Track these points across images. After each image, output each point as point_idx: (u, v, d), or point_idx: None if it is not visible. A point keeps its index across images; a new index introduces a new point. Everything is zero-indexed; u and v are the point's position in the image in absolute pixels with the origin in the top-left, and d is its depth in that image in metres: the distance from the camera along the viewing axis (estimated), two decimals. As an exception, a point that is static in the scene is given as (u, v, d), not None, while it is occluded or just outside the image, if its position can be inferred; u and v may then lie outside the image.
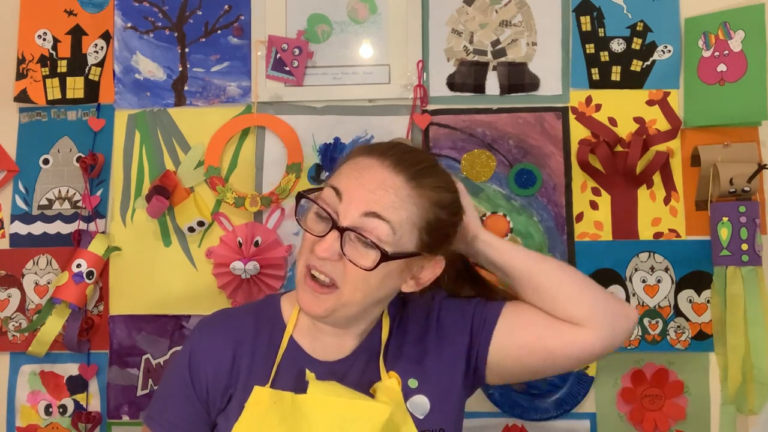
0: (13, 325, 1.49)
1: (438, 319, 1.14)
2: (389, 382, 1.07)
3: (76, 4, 1.54)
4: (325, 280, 1.00)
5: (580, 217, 1.45)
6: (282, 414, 1.01)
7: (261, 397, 1.03)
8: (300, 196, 1.05)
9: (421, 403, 1.08)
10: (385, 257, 0.98)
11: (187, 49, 1.53)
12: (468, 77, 1.48)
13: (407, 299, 1.17)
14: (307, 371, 1.05)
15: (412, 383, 1.09)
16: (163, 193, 1.43)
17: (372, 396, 1.06)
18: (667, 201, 1.44)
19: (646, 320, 1.42)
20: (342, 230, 0.98)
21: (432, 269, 1.07)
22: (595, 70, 1.47)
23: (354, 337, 1.12)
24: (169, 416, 1.08)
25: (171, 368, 1.13)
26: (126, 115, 1.52)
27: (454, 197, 1.07)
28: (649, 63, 1.46)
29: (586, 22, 1.48)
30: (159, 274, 1.48)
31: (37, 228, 1.51)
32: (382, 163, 1.02)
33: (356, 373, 1.09)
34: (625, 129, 1.45)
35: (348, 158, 1.07)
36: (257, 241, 1.43)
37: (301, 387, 1.04)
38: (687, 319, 1.42)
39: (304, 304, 1.03)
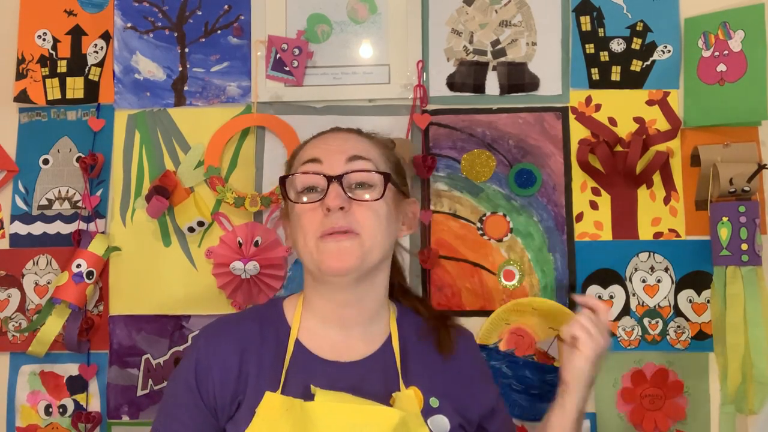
0: (13, 325, 1.49)
1: (471, 362, 1.18)
2: (408, 392, 1.07)
3: (75, 4, 1.54)
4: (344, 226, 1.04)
5: (580, 217, 1.45)
6: (293, 421, 1.00)
7: (273, 403, 1.02)
8: (283, 178, 1.11)
9: (442, 423, 1.08)
10: (387, 178, 1.07)
11: (186, 49, 1.53)
12: (468, 77, 1.48)
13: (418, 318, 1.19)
14: (312, 386, 1.03)
15: (434, 402, 1.09)
16: (163, 193, 1.43)
17: (390, 405, 1.04)
18: (667, 201, 1.44)
19: (646, 320, 1.42)
20: (339, 178, 1.05)
21: (412, 209, 1.18)
22: (594, 70, 1.47)
23: (359, 333, 1.11)
24: (177, 426, 1.06)
25: (175, 378, 1.11)
26: (126, 115, 1.52)
27: (391, 140, 1.22)
28: (648, 63, 1.46)
29: (585, 22, 1.48)
30: (159, 274, 1.48)
31: (37, 228, 1.51)
32: (334, 132, 1.15)
33: (375, 381, 1.08)
34: (625, 129, 1.45)
35: (296, 153, 1.16)
36: (257, 241, 1.43)
37: (308, 391, 1.03)
38: (687, 319, 1.42)
39: (331, 261, 1.03)
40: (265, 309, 1.17)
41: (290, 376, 1.06)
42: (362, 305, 1.11)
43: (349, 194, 1.05)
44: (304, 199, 1.07)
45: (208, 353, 1.08)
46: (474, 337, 1.24)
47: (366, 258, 1.05)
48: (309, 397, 1.02)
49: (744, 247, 1.35)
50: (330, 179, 1.04)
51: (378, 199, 1.06)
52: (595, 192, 1.45)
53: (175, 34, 1.53)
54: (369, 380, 1.08)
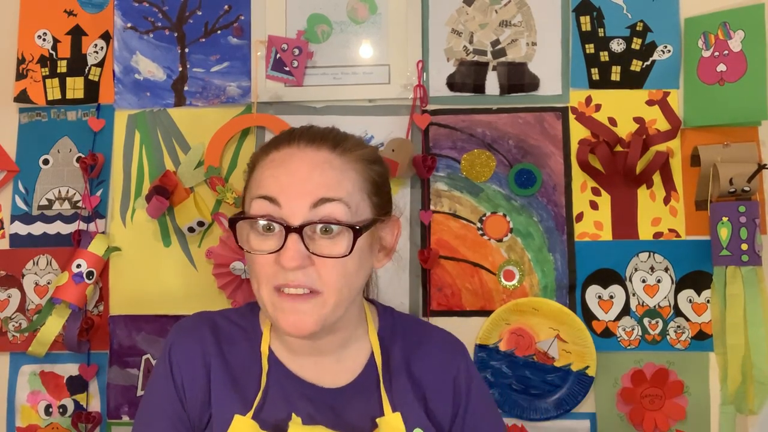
0: (13, 326, 1.49)
1: (468, 391, 1.05)
2: (393, 421, 0.97)
3: (75, 5, 1.54)
4: (305, 291, 0.91)
5: (579, 217, 1.45)
6: None
7: (242, 428, 0.94)
8: (233, 220, 0.94)
9: None
10: (358, 232, 0.90)
11: (186, 50, 1.53)
12: (468, 77, 1.48)
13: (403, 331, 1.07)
14: (294, 415, 0.96)
15: None
16: (163, 193, 1.43)
17: None
18: (666, 201, 1.44)
19: (646, 320, 1.42)
20: (299, 230, 0.89)
21: (392, 231, 1.02)
22: (594, 70, 1.47)
23: (334, 359, 1.01)
24: None
25: (150, 387, 1.03)
26: (126, 115, 1.52)
27: (375, 149, 1.03)
28: (648, 63, 1.46)
29: (585, 22, 1.48)
30: (159, 274, 1.48)
31: (37, 228, 1.51)
32: (299, 146, 0.95)
33: (358, 410, 0.99)
34: (625, 129, 1.45)
35: (257, 162, 0.98)
36: (257, 241, 1.43)
37: (286, 416, 0.96)
38: (687, 319, 1.42)
39: (288, 326, 0.91)
40: (238, 315, 1.07)
41: (266, 397, 0.98)
42: (334, 335, 1.00)
43: (311, 248, 0.89)
44: (257, 247, 0.91)
45: (179, 361, 1.00)
46: (464, 354, 1.09)
47: (328, 318, 0.92)
48: (284, 422, 0.95)
49: (744, 247, 1.35)
50: (288, 229, 0.89)
51: (346, 255, 0.90)
52: (595, 192, 1.45)
53: (175, 34, 1.53)
54: (351, 409, 0.99)
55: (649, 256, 1.43)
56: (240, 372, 1.00)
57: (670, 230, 1.43)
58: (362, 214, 0.94)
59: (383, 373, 1.02)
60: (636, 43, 1.46)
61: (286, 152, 0.95)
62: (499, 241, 1.45)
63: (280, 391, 0.99)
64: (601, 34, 1.47)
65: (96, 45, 1.54)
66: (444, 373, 1.05)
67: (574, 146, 1.45)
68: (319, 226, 0.90)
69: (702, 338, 1.42)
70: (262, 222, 0.91)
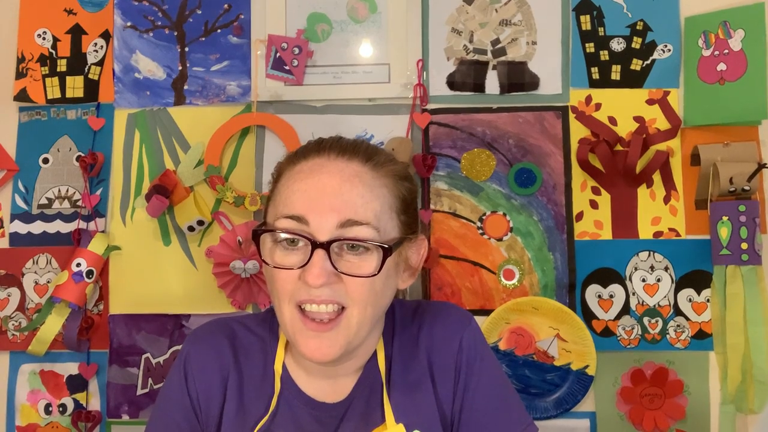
0: (13, 324, 1.49)
1: (468, 369, 0.97)
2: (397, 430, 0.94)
3: (75, 3, 1.54)
4: (329, 309, 0.88)
5: (579, 216, 1.45)
6: None
7: None
8: (257, 233, 0.91)
9: None
10: (388, 252, 0.87)
11: (186, 48, 1.52)
12: (468, 76, 1.48)
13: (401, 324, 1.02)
14: None
15: None
16: (163, 192, 1.43)
17: None
18: (666, 200, 1.44)
19: (645, 319, 1.42)
20: (326, 246, 0.86)
21: (417, 251, 0.97)
22: (594, 69, 1.47)
23: (350, 374, 0.98)
24: None
25: (165, 394, 1.00)
26: (126, 114, 1.52)
27: (406, 165, 0.98)
28: (649, 62, 1.46)
29: (586, 21, 1.48)
30: (159, 273, 1.48)
31: (37, 227, 1.51)
32: (329, 157, 0.91)
33: (356, 414, 0.96)
34: (625, 128, 1.45)
35: (283, 172, 0.94)
36: (257, 240, 1.43)
37: None
38: (687, 319, 1.42)
39: (311, 352, 0.88)
40: (257, 322, 1.03)
41: (274, 419, 0.96)
42: (353, 360, 0.97)
43: (338, 265, 0.86)
44: (281, 262, 0.88)
45: (195, 374, 0.97)
46: (469, 327, 1.00)
47: (352, 342, 0.89)
48: None
49: (744, 246, 1.35)
50: (315, 245, 0.86)
51: (374, 275, 0.87)
52: (595, 191, 1.45)
53: (175, 33, 1.53)
54: (353, 413, 0.97)
55: (649, 256, 1.43)
56: (251, 388, 0.97)
57: (670, 229, 1.43)
58: (390, 233, 0.91)
59: (389, 378, 0.98)
60: (636, 42, 1.46)
61: (315, 162, 0.91)
62: (499, 240, 1.45)
63: (288, 412, 0.96)
64: (601, 33, 1.47)
65: (96, 44, 1.54)
66: (446, 354, 0.99)
67: (574, 145, 1.45)
68: (347, 242, 0.87)
69: (702, 337, 1.42)
70: (285, 235, 0.88)
